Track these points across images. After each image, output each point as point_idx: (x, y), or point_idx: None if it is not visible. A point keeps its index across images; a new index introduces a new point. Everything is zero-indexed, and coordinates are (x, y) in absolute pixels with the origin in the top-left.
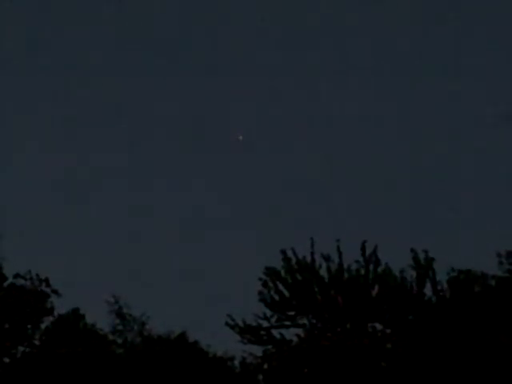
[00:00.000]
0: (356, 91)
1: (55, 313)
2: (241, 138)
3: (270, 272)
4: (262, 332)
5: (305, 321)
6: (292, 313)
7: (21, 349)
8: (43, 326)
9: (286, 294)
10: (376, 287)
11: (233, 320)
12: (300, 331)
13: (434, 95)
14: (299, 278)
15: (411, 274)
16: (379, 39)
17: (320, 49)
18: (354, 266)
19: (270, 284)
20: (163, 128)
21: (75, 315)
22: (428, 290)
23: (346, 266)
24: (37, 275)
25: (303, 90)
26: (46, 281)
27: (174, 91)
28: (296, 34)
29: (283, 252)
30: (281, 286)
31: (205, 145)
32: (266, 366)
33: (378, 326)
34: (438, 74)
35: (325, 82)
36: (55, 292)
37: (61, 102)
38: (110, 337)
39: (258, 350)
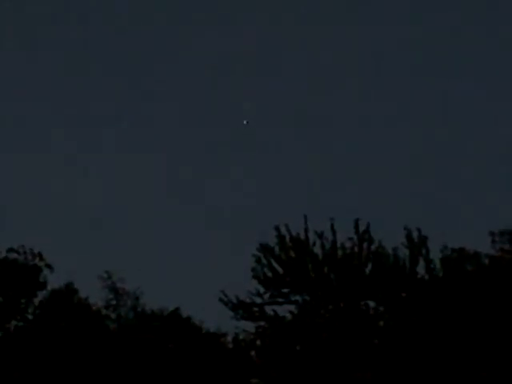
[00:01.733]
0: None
1: (49, 287)
2: (245, 122)
3: (264, 248)
4: (255, 308)
5: (298, 298)
6: (285, 290)
7: (14, 323)
8: (36, 300)
9: (280, 270)
10: (369, 265)
11: (226, 296)
12: (293, 308)
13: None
14: (293, 255)
15: (404, 253)
16: (379, 38)
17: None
18: (347, 244)
19: (264, 260)
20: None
21: (69, 290)
22: (421, 269)
23: (339, 243)
24: (30, 249)
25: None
26: (40, 255)
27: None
28: (297, 34)
29: (277, 229)
30: (274, 263)
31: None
32: (258, 343)
33: (371, 304)
34: (436, 73)
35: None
36: (49, 266)
37: (60, 101)
38: (104, 311)
39: (250, 327)
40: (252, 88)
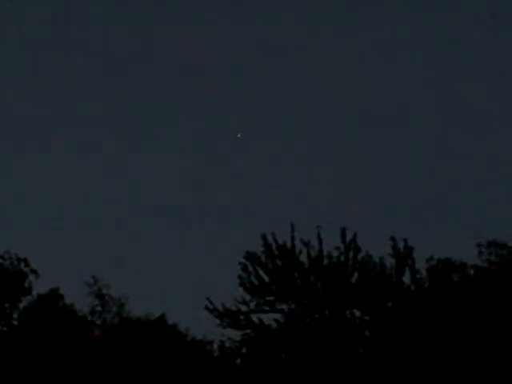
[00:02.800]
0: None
1: (34, 293)
2: (239, 135)
3: (251, 257)
4: (241, 316)
5: (284, 306)
6: (271, 298)
7: None
8: (21, 305)
9: (266, 279)
10: (355, 274)
11: (212, 304)
12: (279, 316)
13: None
14: (279, 263)
15: (391, 262)
16: (379, 39)
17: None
18: (334, 253)
19: (250, 269)
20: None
21: (54, 295)
22: (407, 278)
23: (325, 252)
24: (16, 255)
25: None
26: (25, 261)
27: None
28: (297, 34)
29: (263, 237)
30: (261, 271)
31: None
32: (244, 351)
33: (357, 313)
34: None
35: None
36: (34, 272)
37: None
38: (89, 317)
39: (236, 335)
40: (252, 88)
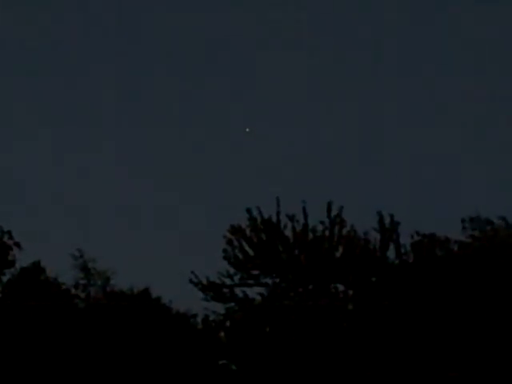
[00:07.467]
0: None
1: (17, 265)
2: (248, 130)
3: (236, 230)
4: (225, 290)
5: (268, 280)
6: (256, 272)
7: None
8: (5, 278)
9: (251, 252)
10: (340, 249)
11: (196, 277)
12: (263, 290)
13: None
14: (264, 237)
15: (375, 237)
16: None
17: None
18: (319, 227)
19: (235, 242)
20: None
21: (37, 268)
22: (391, 253)
23: (311, 226)
24: None
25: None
26: (9, 233)
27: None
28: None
29: (249, 211)
30: (245, 245)
31: None
32: (228, 324)
33: (341, 287)
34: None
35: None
36: (17, 245)
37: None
38: (73, 290)
39: (220, 308)
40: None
